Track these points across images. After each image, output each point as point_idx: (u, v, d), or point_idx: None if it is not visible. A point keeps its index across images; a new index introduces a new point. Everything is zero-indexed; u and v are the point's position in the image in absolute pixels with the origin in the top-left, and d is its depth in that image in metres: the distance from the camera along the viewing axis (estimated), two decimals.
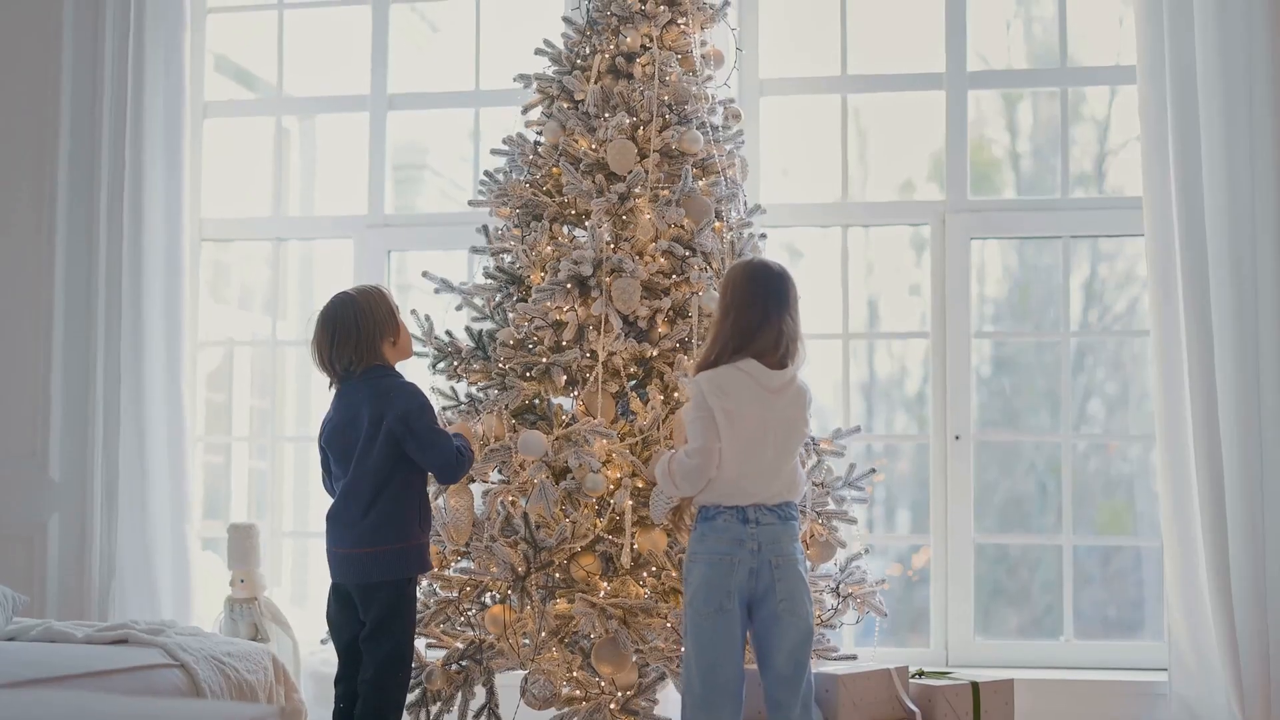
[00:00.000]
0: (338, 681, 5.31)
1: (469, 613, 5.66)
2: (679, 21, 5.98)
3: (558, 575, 5.48)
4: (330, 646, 5.65)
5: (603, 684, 5.51)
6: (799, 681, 4.86)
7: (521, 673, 5.57)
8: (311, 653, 6.63)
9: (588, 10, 6.04)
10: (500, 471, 5.64)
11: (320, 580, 7.79)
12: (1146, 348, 7.25)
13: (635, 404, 5.59)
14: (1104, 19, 7.36)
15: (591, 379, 5.57)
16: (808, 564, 5.47)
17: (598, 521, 5.45)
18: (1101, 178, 7.73)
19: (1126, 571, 8.15)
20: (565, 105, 5.94)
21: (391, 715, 5.17)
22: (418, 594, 5.61)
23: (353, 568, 5.15)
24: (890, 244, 7.96)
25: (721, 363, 4.88)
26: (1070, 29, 7.11)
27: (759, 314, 4.89)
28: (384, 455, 5.11)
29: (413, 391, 5.20)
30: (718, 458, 4.81)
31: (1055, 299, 7.22)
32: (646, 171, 5.71)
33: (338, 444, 5.21)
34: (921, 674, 5.67)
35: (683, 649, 4.93)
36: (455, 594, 5.65)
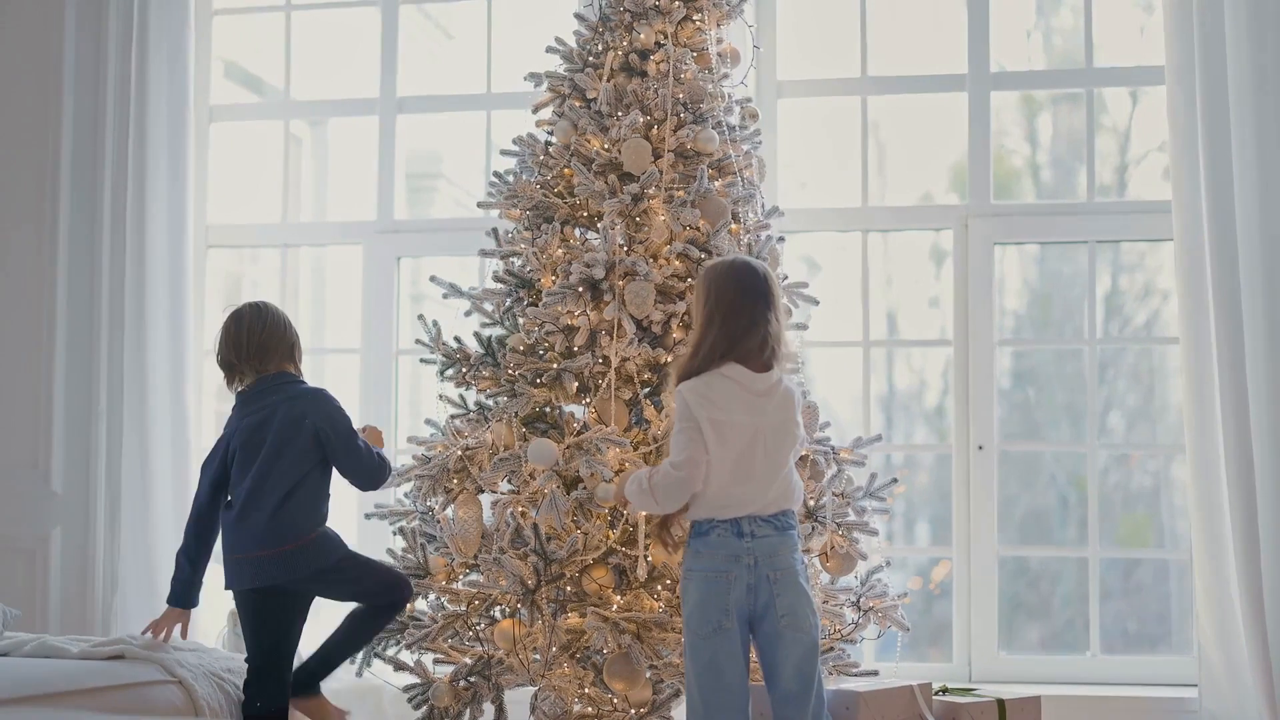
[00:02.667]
0: None
1: (477, 627, 5.40)
2: (694, 18, 5.74)
3: (569, 588, 5.22)
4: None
5: (615, 701, 5.25)
6: (807, 697, 4.55)
7: (531, 689, 5.38)
8: None
9: (600, 6, 5.80)
10: (510, 481, 5.40)
11: None
12: (1166, 360, 7.19)
13: (649, 411, 5.33)
14: (1125, 26, 7.18)
15: (604, 385, 5.32)
16: (809, 574, 5.21)
17: (610, 533, 5.20)
18: (1123, 187, 7.53)
19: (1147, 585, 7.96)
20: (577, 104, 5.70)
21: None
22: (424, 607, 5.50)
23: (251, 571, 5.00)
24: (909, 256, 7.76)
25: (705, 370, 4.58)
26: (1094, 34, 6.88)
27: (746, 318, 4.59)
28: (298, 454, 5.02)
29: (330, 395, 5.18)
30: (704, 470, 4.51)
31: (1075, 311, 7.02)
32: (661, 172, 5.47)
33: (249, 447, 5.05)
34: (945, 691, 5.38)
35: (685, 671, 4.65)
36: (463, 608, 5.40)
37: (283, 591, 5.02)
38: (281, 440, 5.02)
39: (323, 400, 5.11)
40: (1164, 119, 6.38)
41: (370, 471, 5.13)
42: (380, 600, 5.17)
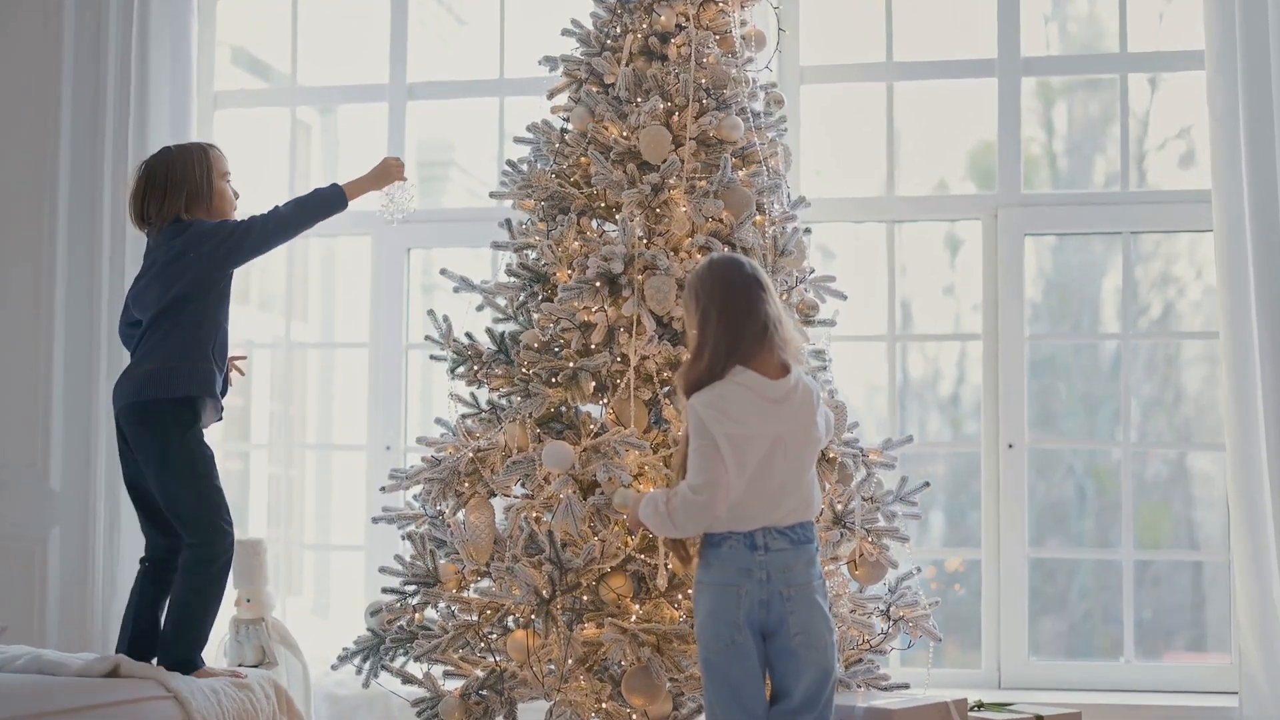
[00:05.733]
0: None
1: (489, 638, 5.06)
2: None
3: (585, 598, 4.90)
4: (345, 668, 5.27)
5: (634, 716, 4.92)
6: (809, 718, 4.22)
7: (546, 704, 5.04)
8: (324, 674, 6.08)
9: None
10: (523, 485, 5.06)
11: (343, 590, 7.28)
12: (1182, 350, 7.01)
13: (669, 412, 4.99)
14: (1145, 12, 6.88)
15: (622, 385, 4.99)
16: (840, 582, 5.00)
17: (629, 540, 4.87)
18: (1142, 176, 7.22)
19: (1165, 576, 7.70)
20: (594, 89, 5.36)
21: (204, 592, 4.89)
22: (435, 616, 5.17)
23: (127, 387, 4.86)
24: (922, 244, 7.49)
25: (714, 375, 4.19)
26: (1110, 21, 6.65)
27: (743, 304, 4.21)
28: (172, 278, 4.84)
29: (202, 223, 4.95)
30: (725, 492, 4.14)
31: (1091, 302, 6.86)
32: (682, 161, 5.14)
33: (136, 290, 4.96)
34: (980, 706, 5.05)
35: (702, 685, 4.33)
36: (475, 618, 5.07)
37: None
38: (161, 270, 4.88)
39: (194, 226, 4.90)
40: (1184, 106, 6.20)
41: (251, 230, 4.92)
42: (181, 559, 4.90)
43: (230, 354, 5.06)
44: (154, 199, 4.92)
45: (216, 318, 4.90)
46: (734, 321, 4.19)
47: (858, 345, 6.52)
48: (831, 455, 5.01)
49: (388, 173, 5.18)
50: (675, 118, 5.22)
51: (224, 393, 4.99)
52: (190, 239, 4.84)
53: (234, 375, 5.15)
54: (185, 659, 4.82)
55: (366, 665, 5.13)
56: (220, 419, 5.02)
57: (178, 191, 4.91)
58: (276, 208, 4.98)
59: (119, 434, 4.94)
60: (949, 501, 7.82)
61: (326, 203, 5.06)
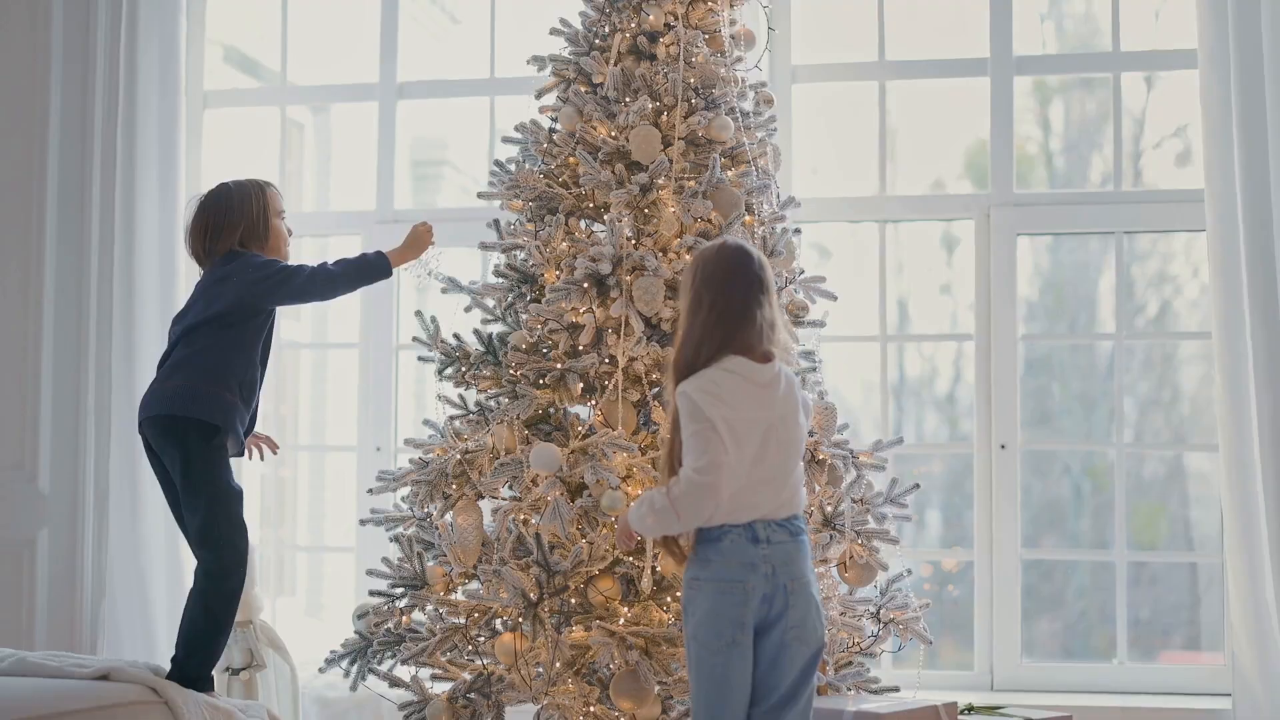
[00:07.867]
0: None
1: (477, 640, 4.98)
2: None
3: (573, 600, 4.83)
4: (333, 671, 5.22)
5: (622, 719, 4.85)
6: (794, 706, 4.11)
7: (534, 707, 4.96)
8: (314, 676, 5.95)
9: None
10: (511, 487, 5.00)
11: (336, 590, 7.23)
12: (1178, 349, 6.99)
13: (658, 414, 4.91)
14: (1140, 10, 6.84)
15: (611, 387, 4.92)
16: (829, 584, 4.95)
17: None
18: (1138, 175, 7.17)
19: (1161, 576, 7.70)
20: (582, 89, 5.28)
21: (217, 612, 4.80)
22: (422, 619, 5.09)
23: (152, 400, 4.80)
24: (919, 243, 7.48)
25: (702, 364, 4.06)
26: (1106, 20, 6.48)
27: (739, 300, 4.07)
28: (213, 298, 4.81)
29: (256, 256, 4.93)
30: (729, 473, 3.98)
31: (1087, 300, 6.77)
32: (671, 161, 5.06)
33: (180, 312, 4.96)
34: (971, 709, 4.97)
35: (690, 685, 4.18)
36: (462, 620, 4.98)
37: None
38: (201, 294, 4.87)
39: (243, 260, 4.88)
40: (1180, 105, 6.12)
41: (292, 281, 4.88)
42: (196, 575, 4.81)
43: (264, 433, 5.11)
44: (212, 236, 4.90)
45: (248, 352, 4.85)
46: (727, 317, 4.06)
47: (854, 345, 6.45)
48: (821, 457, 4.94)
49: (422, 240, 5.08)
50: (664, 117, 5.14)
51: (249, 431, 4.93)
52: (239, 265, 4.82)
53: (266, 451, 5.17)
54: (196, 676, 4.76)
55: (354, 669, 5.07)
56: (240, 454, 4.96)
57: (234, 228, 4.89)
58: (325, 263, 4.94)
59: (146, 448, 4.90)
60: (945, 501, 7.78)
61: (373, 269, 4.98)
